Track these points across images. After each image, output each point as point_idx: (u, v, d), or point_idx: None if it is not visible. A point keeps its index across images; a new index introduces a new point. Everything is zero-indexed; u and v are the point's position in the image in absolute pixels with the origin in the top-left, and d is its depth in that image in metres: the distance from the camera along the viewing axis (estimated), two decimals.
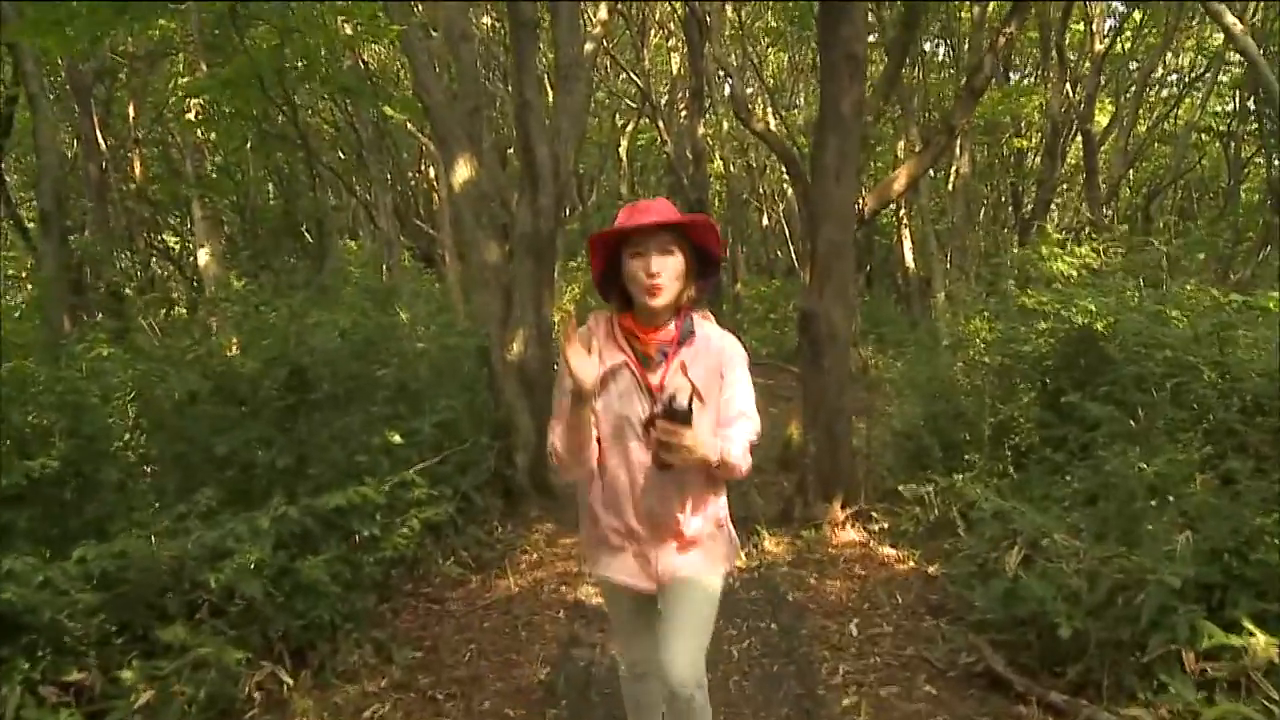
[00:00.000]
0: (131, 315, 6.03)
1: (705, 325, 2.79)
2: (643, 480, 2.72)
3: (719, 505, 2.89)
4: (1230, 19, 7.39)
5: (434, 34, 9.40)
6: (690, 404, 2.48)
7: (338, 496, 4.01)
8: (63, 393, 4.32)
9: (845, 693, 4.40)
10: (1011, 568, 4.67)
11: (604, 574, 2.92)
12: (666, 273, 2.62)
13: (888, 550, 6.29)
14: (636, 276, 2.62)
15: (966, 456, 6.50)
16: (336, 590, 4.55)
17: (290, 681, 4.24)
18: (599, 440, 2.73)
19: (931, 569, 5.85)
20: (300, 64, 7.72)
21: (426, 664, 4.82)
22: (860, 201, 8.24)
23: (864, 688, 4.45)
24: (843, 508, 6.80)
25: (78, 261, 9.39)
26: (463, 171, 6.97)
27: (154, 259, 12.04)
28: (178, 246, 13.68)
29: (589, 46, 12.54)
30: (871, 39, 14.74)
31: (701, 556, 2.85)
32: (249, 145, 9.97)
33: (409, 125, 12.61)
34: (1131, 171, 18.85)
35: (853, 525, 6.73)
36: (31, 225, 9.09)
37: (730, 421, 2.74)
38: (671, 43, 19.69)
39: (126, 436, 4.97)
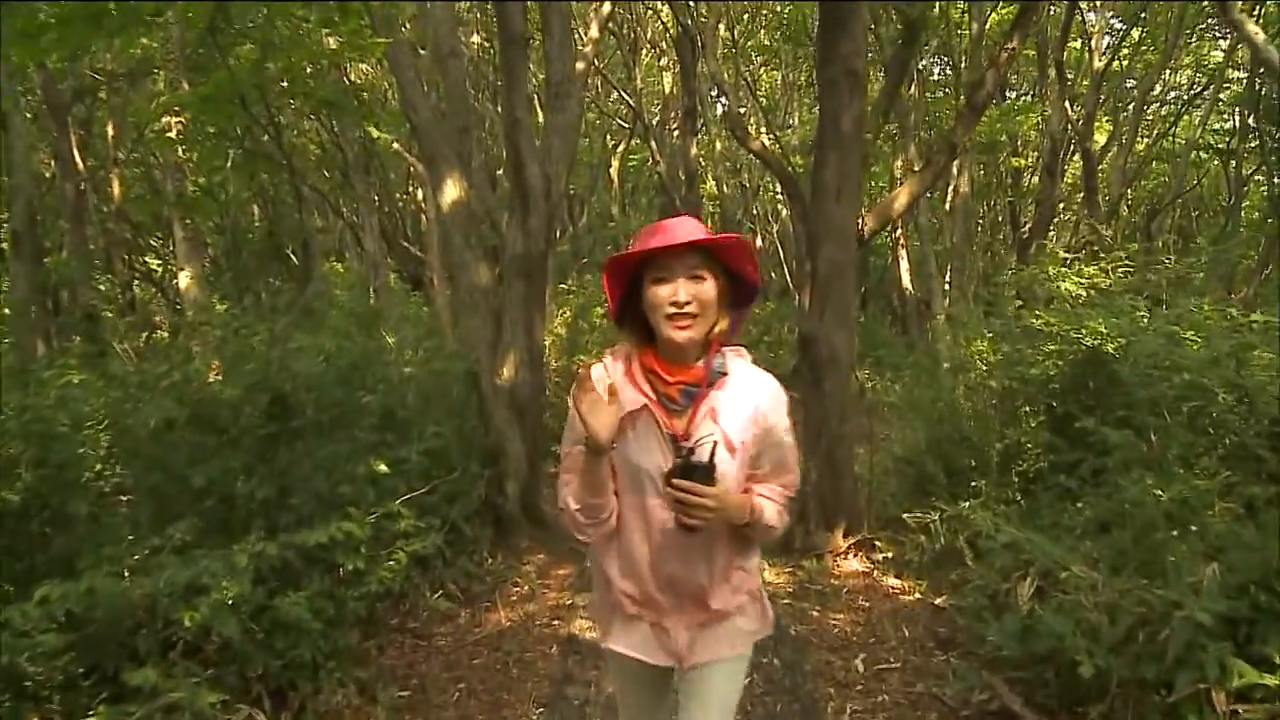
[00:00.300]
0: (108, 339, 5.79)
1: (739, 364, 2.44)
2: (663, 542, 2.39)
3: (750, 572, 2.56)
4: (1252, 27, 7.22)
5: (422, 52, 9.25)
6: (712, 457, 2.20)
7: (319, 533, 3.78)
8: (29, 421, 4.10)
9: None
10: (1024, 600, 4.47)
11: (615, 647, 2.57)
12: (696, 301, 2.28)
13: (892, 581, 6.08)
14: (660, 306, 2.29)
15: (972, 483, 6.30)
16: (318, 627, 4.33)
17: None
18: (616, 494, 2.41)
19: (939, 600, 5.64)
20: (283, 81, 7.52)
21: (413, 704, 4.59)
22: (860, 221, 8.07)
23: None
24: (845, 536, 6.58)
25: (54, 284, 9.19)
26: (451, 192, 6.78)
27: (135, 281, 11.81)
28: (160, 269, 13.46)
29: (580, 65, 12.43)
30: (869, 57, 14.66)
31: (729, 633, 2.54)
32: (230, 165, 9.77)
33: (395, 145, 12.44)
34: (1130, 190, 18.74)
35: (856, 554, 6.52)
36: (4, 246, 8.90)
37: (765, 476, 2.45)
38: (664, 62, 19.58)
39: (98, 467, 4.74)
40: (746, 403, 2.37)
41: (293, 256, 16.79)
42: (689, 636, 2.50)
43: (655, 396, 2.35)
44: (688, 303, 2.27)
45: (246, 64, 7.04)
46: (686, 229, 2.30)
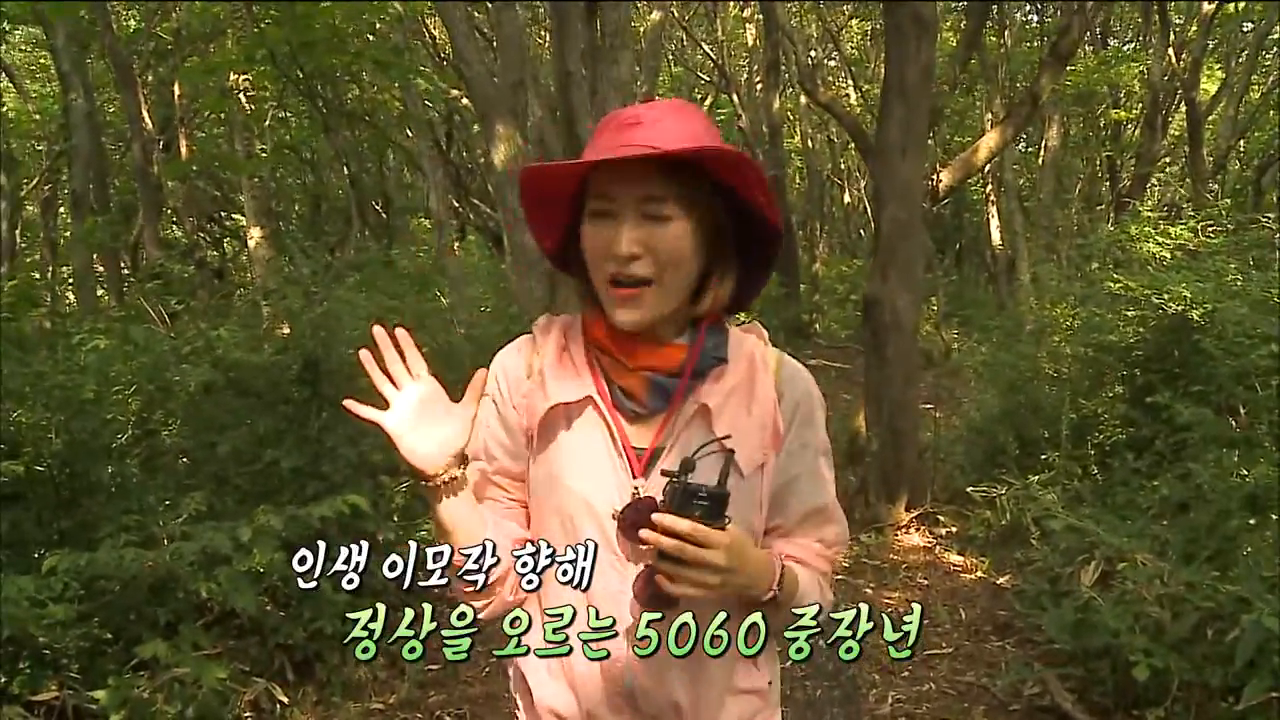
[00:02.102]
0: (141, 301, 5.79)
1: (748, 344, 1.52)
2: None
3: (767, 697, 1.56)
4: None
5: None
6: (724, 480, 1.34)
7: (324, 507, 3.67)
8: (52, 387, 4.08)
9: None
10: (1086, 586, 4.16)
11: None
12: (650, 256, 1.36)
13: (954, 558, 5.79)
14: (596, 259, 1.40)
15: (1044, 455, 5.95)
16: (344, 598, 4.25)
17: (284, 700, 3.95)
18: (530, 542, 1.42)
19: (1001, 580, 5.35)
20: (334, 38, 7.42)
21: (441, 679, 4.49)
22: (934, 177, 7.70)
23: (914, 719, 4.00)
24: (907, 509, 6.30)
25: (133, 242, 9.33)
26: (504, 148, 6.61)
27: (201, 239, 11.96)
28: (238, 226, 13.65)
29: (656, 16, 12.11)
30: (956, 6, 14.02)
31: None
32: (268, 124, 9.75)
33: (465, 101, 12.30)
34: (1241, 142, 17.66)
35: (917, 529, 6.24)
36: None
37: (794, 528, 1.55)
38: (748, 14, 19.04)
39: (128, 433, 4.73)
40: (762, 404, 1.47)
41: (381, 213, 16.88)
42: None
43: (606, 388, 1.46)
44: (634, 256, 1.35)
45: (283, 27, 6.92)
46: (650, 129, 1.36)
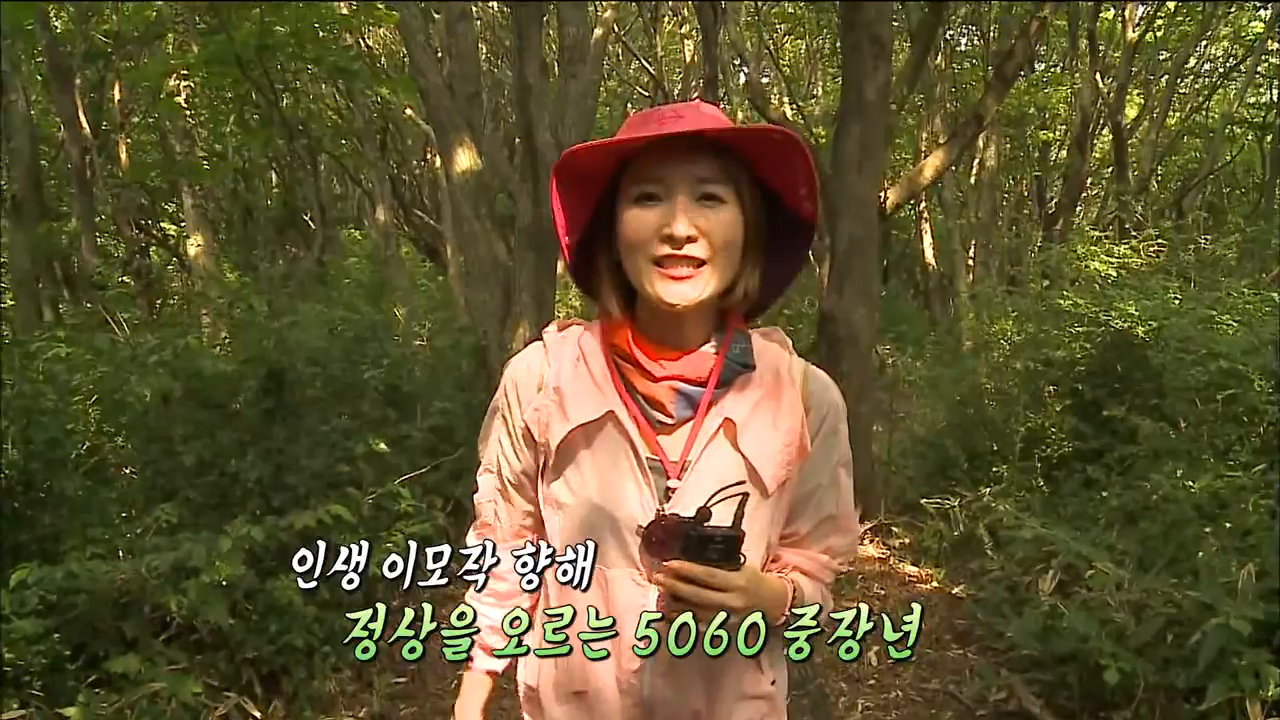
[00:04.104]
0: (106, 309, 5.65)
1: (772, 352, 1.50)
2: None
3: (777, 704, 1.57)
4: None
5: (436, 15, 9.00)
6: (738, 522, 1.33)
7: (308, 515, 3.63)
8: (13, 396, 3.96)
9: None
10: (1046, 594, 4.28)
11: None
12: (705, 240, 1.34)
13: (909, 568, 5.89)
14: (644, 242, 1.35)
15: (994, 468, 6.10)
16: (312, 611, 4.19)
17: (256, 714, 3.87)
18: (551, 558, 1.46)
19: (957, 590, 5.46)
20: (290, 47, 7.33)
21: (409, 691, 4.45)
22: (883, 195, 7.84)
23: None
24: (861, 521, 6.39)
25: (65, 251, 9.06)
26: (461, 160, 6.59)
27: (140, 249, 11.66)
28: (175, 235, 13.35)
29: (598, 32, 12.16)
30: (896, 25, 14.31)
31: None
32: (229, 130, 9.57)
33: (408, 112, 12.21)
34: (1161, 165, 18.32)
35: (872, 540, 6.34)
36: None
37: (804, 538, 1.55)
38: (685, 29, 19.21)
39: (88, 443, 4.60)
40: (788, 414, 1.45)
41: (310, 223, 16.63)
42: None
43: (632, 400, 1.42)
44: (690, 239, 1.33)
45: (252, 28, 6.84)
46: (694, 121, 1.34)
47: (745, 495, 1.35)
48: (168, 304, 10.17)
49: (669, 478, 1.41)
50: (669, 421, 1.42)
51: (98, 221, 10.13)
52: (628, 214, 1.36)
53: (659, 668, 1.42)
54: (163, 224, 13.45)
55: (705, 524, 1.32)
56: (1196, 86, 18.71)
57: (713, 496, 1.35)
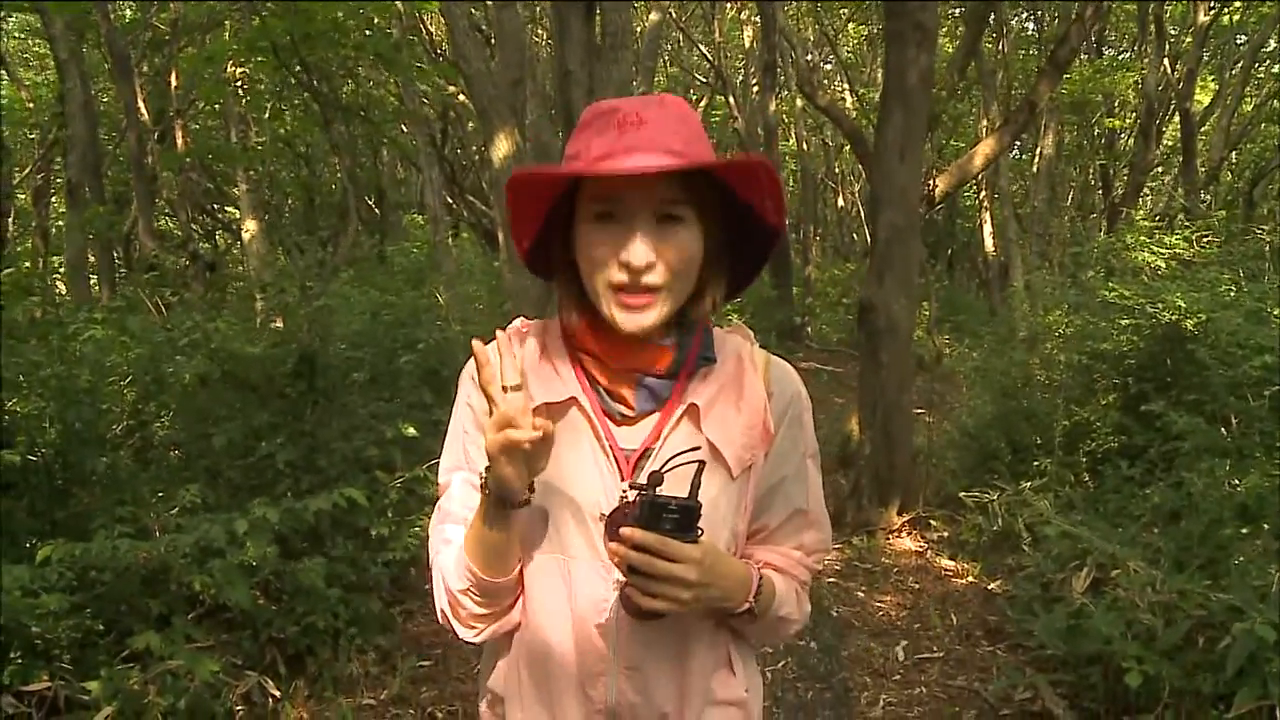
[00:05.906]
0: (140, 293, 5.77)
1: (733, 342, 1.49)
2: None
3: (749, 709, 1.54)
4: None
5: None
6: (695, 491, 1.29)
7: (322, 499, 3.66)
8: (49, 377, 4.06)
9: None
10: (1078, 593, 4.18)
11: None
12: (663, 265, 1.31)
13: (946, 562, 5.80)
14: (600, 266, 1.32)
15: (1036, 462, 5.97)
16: (336, 593, 4.25)
17: (276, 694, 3.93)
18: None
19: (993, 585, 5.36)
20: (333, 33, 7.39)
21: (432, 675, 4.49)
22: (930, 183, 7.72)
23: None
24: (899, 513, 6.32)
25: (127, 234, 9.29)
26: (502, 145, 6.60)
27: (197, 232, 11.90)
28: (236, 218, 13.61)
29: (654, 17, 12.11)
30: (953, 11, 14.05)
31: None
32: (268, 115, 9.70)
33: (461, 97, 12.27)
34: (1234, 154, 17.76)
35: (909, 533, 6.25)
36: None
37: (775, 533, 1.51)
38: (745, 15, 19.07)
39: (123, 424, 4.71)
40: (751, 406, 1.42)
41: (374, 208, 16.84)
42: None
43: (592, 390, 1.41)
44: (647, 267, 1.29)
45: (284, 20, 6.90)
46: (659, 135, 1.29)
47: (701, 464, 1.31)
48: (231, 288, 10.37)
49: (631, 464, 1.38)
50: (629, 414, 1.40)
51: (159, 205, 10.34)
52: (585, 231, 1.33)
53: (625, 665, 1.38)
54: (226, 209, 13.70)
55: (660, 492, 1.27)
56: (1275, 70, 18.11)
57: (667, 463, 1.31)
